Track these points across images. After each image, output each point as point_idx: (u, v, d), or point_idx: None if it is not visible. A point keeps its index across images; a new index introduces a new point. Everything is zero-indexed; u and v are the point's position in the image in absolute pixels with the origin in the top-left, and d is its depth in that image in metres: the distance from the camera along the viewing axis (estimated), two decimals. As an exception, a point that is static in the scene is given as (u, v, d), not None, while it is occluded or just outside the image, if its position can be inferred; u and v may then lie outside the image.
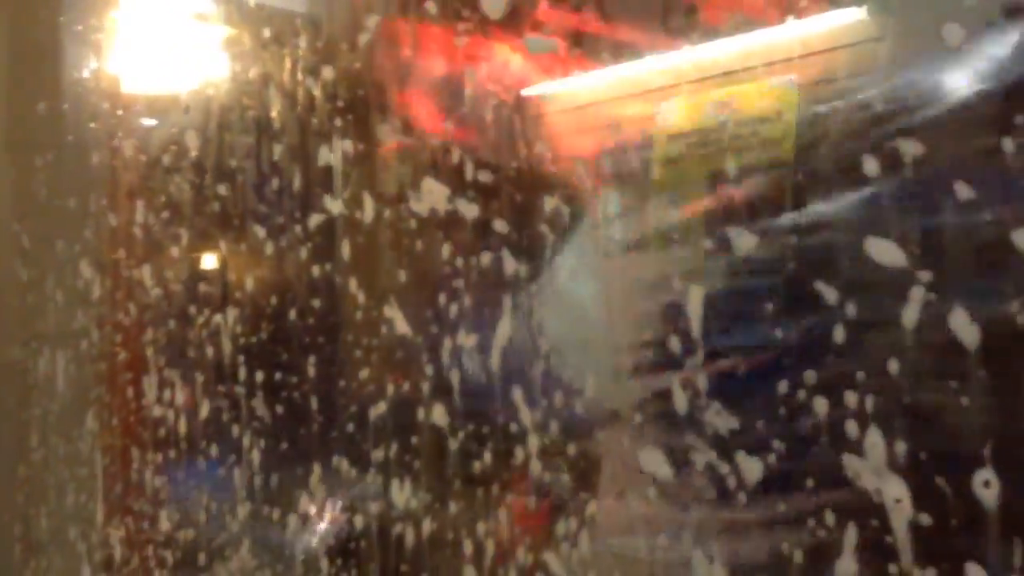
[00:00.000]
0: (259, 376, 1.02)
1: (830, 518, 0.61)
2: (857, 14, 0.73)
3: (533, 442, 0.77)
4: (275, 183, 1.01)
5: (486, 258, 0.80)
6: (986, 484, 0.55)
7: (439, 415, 0.83)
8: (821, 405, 0.62)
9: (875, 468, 0.59)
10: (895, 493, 0.58)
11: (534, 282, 0.80)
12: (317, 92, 0.96)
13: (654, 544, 0.72)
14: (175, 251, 1.18)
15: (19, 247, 1.44)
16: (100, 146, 1.31)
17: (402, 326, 0.88)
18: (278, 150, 1.00)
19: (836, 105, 0.72)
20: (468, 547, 0.81)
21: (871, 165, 0.62)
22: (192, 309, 1.11)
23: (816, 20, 0.75)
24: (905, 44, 0.65)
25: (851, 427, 0.60)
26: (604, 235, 0.82)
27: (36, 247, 1.42)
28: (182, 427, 1.14)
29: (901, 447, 0.58)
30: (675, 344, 0.71)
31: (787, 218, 0.72)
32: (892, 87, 0.66)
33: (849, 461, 0.60)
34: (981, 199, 0.58)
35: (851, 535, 0.60)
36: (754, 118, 0.80)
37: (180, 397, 1.15)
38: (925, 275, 0.59)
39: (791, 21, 0.75)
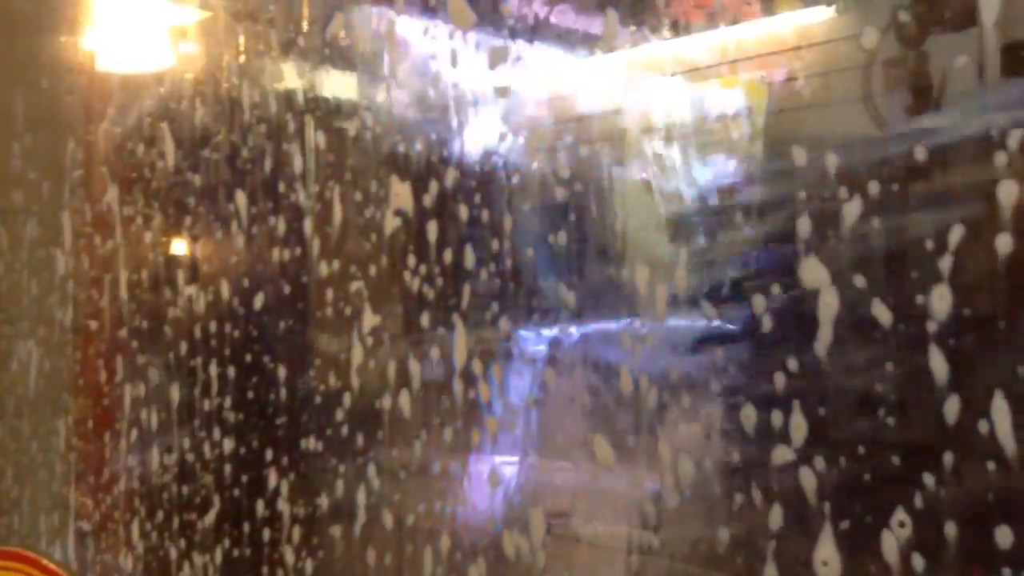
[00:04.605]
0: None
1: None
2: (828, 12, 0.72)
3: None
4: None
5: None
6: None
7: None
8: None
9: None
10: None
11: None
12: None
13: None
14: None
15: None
16: (74, 126, 1.30)
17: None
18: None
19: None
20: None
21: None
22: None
23: (787, 18, 0.75)
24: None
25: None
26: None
27: (10, 229, 1.40)
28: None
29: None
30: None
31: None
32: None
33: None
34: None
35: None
36: (724, 114, 0.80)
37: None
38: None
39: (763, 18, 0.75)
